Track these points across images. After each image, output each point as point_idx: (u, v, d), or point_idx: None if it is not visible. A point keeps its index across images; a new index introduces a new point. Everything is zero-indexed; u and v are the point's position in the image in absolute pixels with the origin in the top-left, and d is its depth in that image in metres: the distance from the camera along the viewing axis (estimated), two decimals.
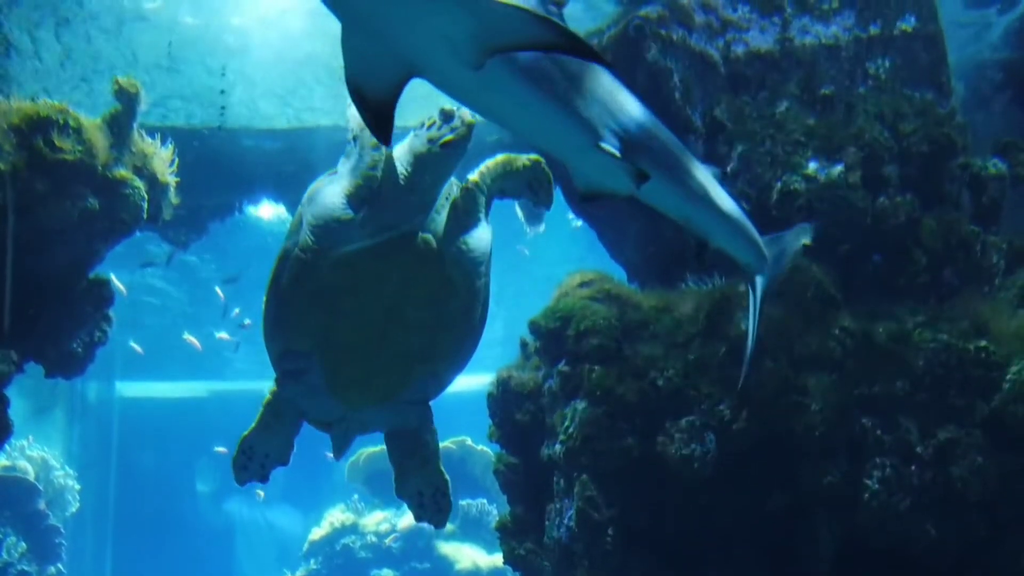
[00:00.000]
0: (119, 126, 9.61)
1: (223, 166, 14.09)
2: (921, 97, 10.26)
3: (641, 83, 10.05)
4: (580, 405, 8.87)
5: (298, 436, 7.60)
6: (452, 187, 6.96)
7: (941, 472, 8.40)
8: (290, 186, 13.73)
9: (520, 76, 4.26)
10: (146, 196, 9.79)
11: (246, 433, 7.45)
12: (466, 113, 6.66)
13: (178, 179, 10.43)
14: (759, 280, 7.01)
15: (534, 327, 9.46)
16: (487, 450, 23.24)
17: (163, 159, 10.15)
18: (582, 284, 9.46)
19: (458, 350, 7.23)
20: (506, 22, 3.81)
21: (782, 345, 8.70)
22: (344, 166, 6.89)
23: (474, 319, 7.17)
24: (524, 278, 23.99)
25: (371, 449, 26.29)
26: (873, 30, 10.43)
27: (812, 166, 9.67)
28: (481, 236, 7.03)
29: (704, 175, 5.64)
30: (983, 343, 8.57)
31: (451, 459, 24.24)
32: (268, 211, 18.82)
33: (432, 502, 7.73)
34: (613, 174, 4.80)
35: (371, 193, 6.65)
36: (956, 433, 8.43)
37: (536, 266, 23.85)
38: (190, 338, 27.86)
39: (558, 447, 9.01)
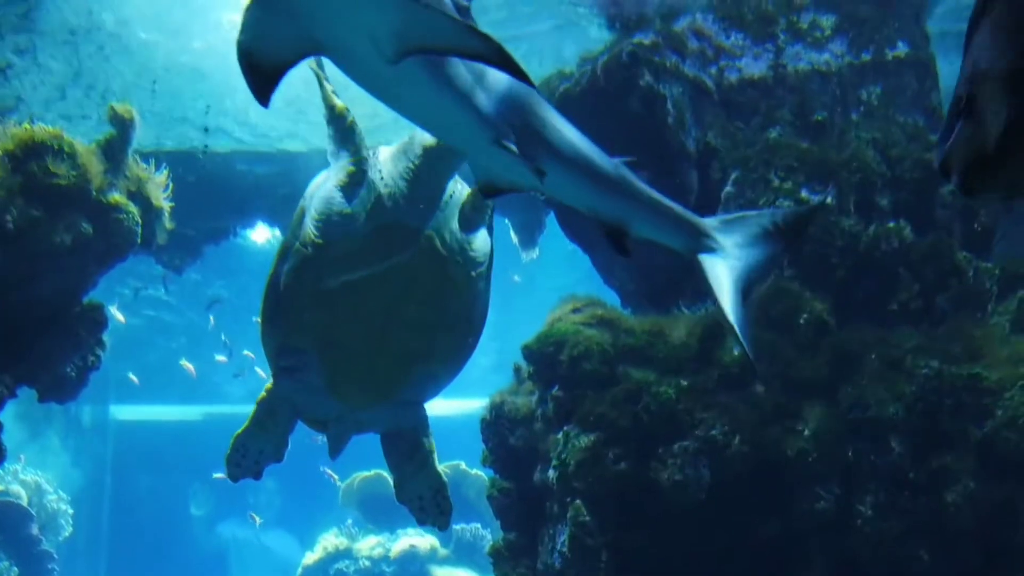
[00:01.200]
0: (113, 151, 9.63)
1: (217, 190, 14.11)
2: (913, 123, 10.33)
3: (635, 109, 10.10)
4: (573, 430, 8.86)
5: (292, 434, 7.54)
6: (456, 185, 6.96)
7: (934, 498, 8.40)
8: (284, 210, 13.74)
9: (430, 72, 4.27)
10: (140, 221, 9.79)
11: (239, 431, 7.37)
12: None
13: (172, 204, 10.44)
14: (711, 260, 5.86)
15: (527, 352, 9.46)
16: (481, 474, 23.19)
17: (157, 184, 10.16)
18: (575, 309, 9.47)
19: (457, 351, 7.21)
20: (437, 29, 3.85)
21: (775, 370, 8.70)
22: (332, 159, 6.89)
23: (474, 321, 7.16)
24: (520, 303, 23.99)
25: (365, 473, 26.22)
26: (865, 57, 10.50)
27: (805, 191, 9.71)
28: (484, 238, 7.04)
29: (611, 165, 5.41)
30: (976, 369, 8.57)
31: None
32: (262, 235, 18.82)
33: (433, 504, 7.68)
34: (514, 169, 4.77)
35: (362, 179, 6.62)
36: (949, 459, 8.43)
37: (529, 292, 23.87)
38: (186, 364, 27.82)
39: (551, 472, 9.00)
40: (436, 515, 7.76)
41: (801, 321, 8.93)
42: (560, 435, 8.98)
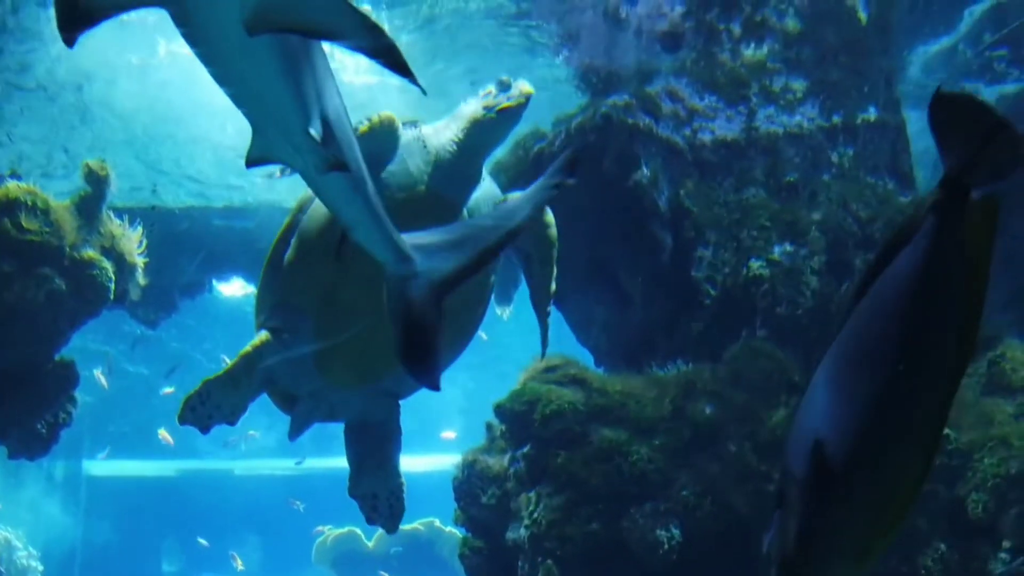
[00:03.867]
0: (88, 207, 9.66)
1: (193, 245, 14.12)
2: (884, 185, 10.44)
3: (609, 169, 10.17)
4: (545, 489, 8.85)
5: (253, 401, 7.27)
6: (486, 181, 7.00)
7: (905, 560, 8.40)
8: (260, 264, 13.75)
9: (277, 49, 4.06)
10: (113, 277, 9.79)
11: (211, 377, 7.09)
12: (523, 83, 6.71)
13: (146, 259, 10.44)
14: (396, 278, 5.60)
15: (500, 411, 9.46)
16: (456, 532, 23.00)
17: (131, 240, 10.18)
18: (548, 368, 9.48)
19: (451, 347, 7.16)
20: (328, 8, 3.69)
21: (745, 431, 8.72)
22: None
23: (475, 317, 7.13)
24: (494, 361, 23.97)
25: (338, 531, 26.01)
26: (836, 120, 10.63)
27: (777, 251, 9.79)
28: None
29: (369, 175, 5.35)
30: (945, 431, 8.60)
31: (419, 541, 24.08)
32: (238, 288, 18.79)
33: (386, 505, 7.51)
34: (302, 155, 4.67)
35: (397, 143, 6.62)
36: (919, 520, 8.44)
37: (504, 349, 23.84)
38: (164, 434, 27.59)
39: (523, 531, 8.97)
40: (387, 517, 7.58)
41: (772, 381, 8.96)
42: (532, 494, 8.96)
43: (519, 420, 9.27)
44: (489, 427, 10.09)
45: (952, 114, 2.50)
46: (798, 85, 10.66)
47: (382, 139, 6.66)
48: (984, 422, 8.70)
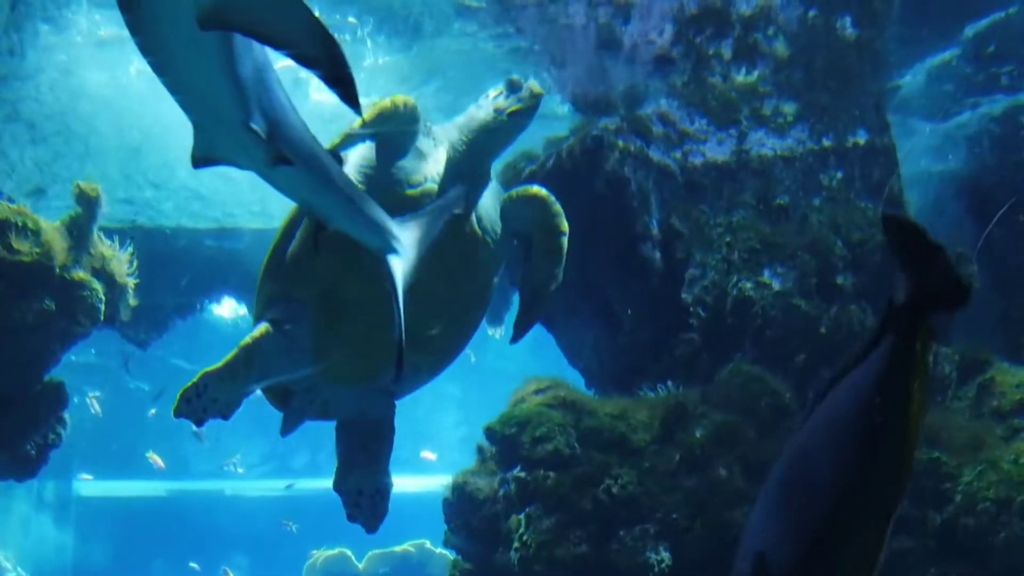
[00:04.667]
0: (78, 229, 9.66)
1: (185, 265, 14.12)
2: (874, 208, 10.47)
3: (600, 191, 10.21)
4: (535, 512, 8.83)
5: (248, 397, 7.17)
6: (493, 182, 7.01)
7: None
8: (251, 285, 13.76)
9: (219, 43, 4.02)
10: (103, 298, 9.79)
11: (209, 369, 6.97)
12: (534, 84, 6.69)
13: (137, 280, 10.43)
14: (393, 260, 6.06)
15: (490, 433, 9.45)
16: (447, 554, 22.94)
17: (122, 260, 10.17)
18: (538, 391, 9.48)
19: (449, 346, 7.13)
20: (281, 9, 3.63)
21: (736, 455, 8.72)
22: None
23: (476, 317, 7.10)
24: (487, 382, 23.99)
25: (329, 552, 25.89)
26: (826, 143, 10.68)
27: (767, 274, 9.81)
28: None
29: (332, 166, 5.36)
30: (935, 454, 8.62)
31: (410, 563, 23.96)
32: (229, 310, 18.78)
33: (369, 503, 7.38)
34: (246, 151, 4.66)
35: (413, 139, 6.61)
36: (909, 543, 8.44)
37: (496, 370, 23.85)
38: (154, 457, 27.51)
39: (513, 554, 8.94)
40: (369, 516, 7.46)
41: (762, 404, 8.96)
42: (522, 516, 8.94)
43: (509, 442, 9.26)
44: (480, 449, 10.08)
45: (901, 239, 2.55)
46: (788, 108, 10.71)
47: (403, 122, 6.62)
48: (974, 445, 8.71)
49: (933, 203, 13.12)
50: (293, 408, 7.23)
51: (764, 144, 10.71)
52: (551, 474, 8.89)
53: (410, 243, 6.07)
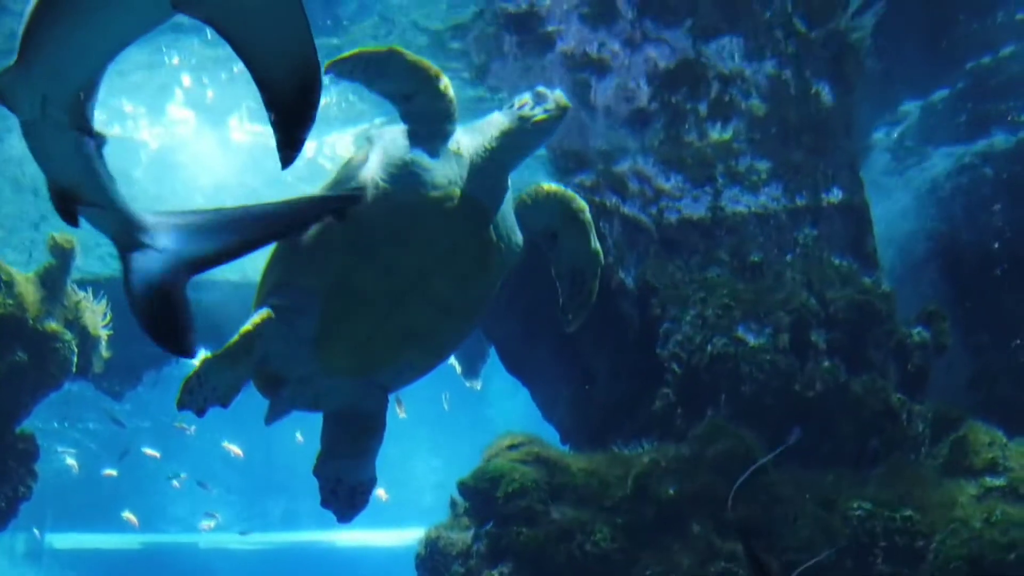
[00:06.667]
0: (52, 280, 9.64)
1: None
2: (848, 265, 10.53)
3: None
4: (507, 567, 8.78)
5: (247, 383, 7.09)
6: (509, 191, 7.02)
7: None
8: (224, 339, 13.68)
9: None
10: (76, 350, 9.75)
11: (209, 356, 6.86)
12: (561, 96, 6.70)
13: (111, 331, 10.39)
14: (134, 257, 5.13)
15: (463, 488, 9.41)
16: None
17: (95, 312, 10.14)
18: (512, 446, 9.45)
19: (446, 345, 7.06)
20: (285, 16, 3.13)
21: (708, 511, 8.70)
22: (410, 121, 6.76)
23: (475, 320, 7.06)
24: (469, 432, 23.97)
25: None
26: (800, 201, 10.74)
27: (741, 330, 9.84)
28: (520, 237, 7.05)
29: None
30: (908, 512, 8.63)
31: None
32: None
33: (348, 493, 7.25)
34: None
35: (445, 141, 6.59)
36: None
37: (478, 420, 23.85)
38: (129, 516, 27.29)
39: None
40: (345, 505, 7.33)
41: (736, 461, 8.95)
42: (495, 571, 8.89)
43: (482, 497, 9.22)
44: (453, 503, 10.03)
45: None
46: (763, 166, 10.79)
47: (431, 100, 6.59)
48: (947, 503, 8.73)
49: (907, 261, 13.24)
50: (283, 397, 7.17)
51: (739, 201, 10.78)
52: (524, 529, 8.84)
53: (182, 244, 5.27)
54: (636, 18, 10.36)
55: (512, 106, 6.81)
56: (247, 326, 6.83)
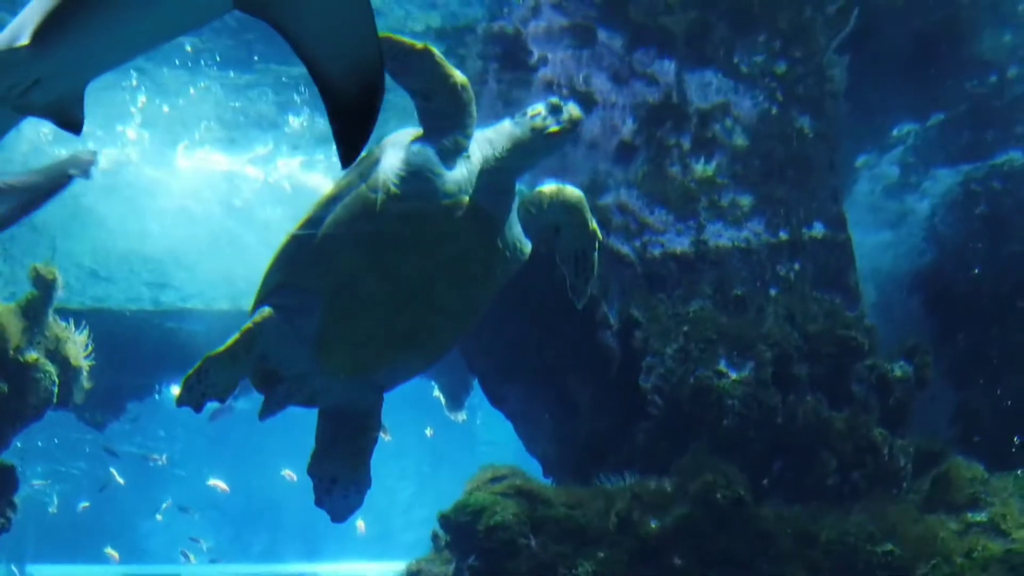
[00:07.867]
0: (34, 311, 9.62)
1: (144, 347, 14.03)
2: (830, 300, 10.56)
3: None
4: None
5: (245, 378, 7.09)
6: (516, 199, 7.04)
7: None
8: None
9: None
10: (57, 380, 9.71)
11: (211, 354, 6.88)
12: (574, 109, 6.73)
13: (92, 362, 10.36)
14: None
15: (444, 521, 9.38)
16: None
17: (77, 343, 10.12)
18: (494, 479, 9.44)
19: (443, 347, 7.10)
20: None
21: (691, 544, 8.68)
22: (427, 123, 6.75)
23: (474, 322, 7.08)
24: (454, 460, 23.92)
25: None
26: (783, 236, 10.77)
27: (724, 364, 9.85)
28: (527, 245, 7.06)
29: None
30: (890, 547, 8.62)
31: None
32: None
33: (342, 493, 7.27)
34: None
35: (461, 152, 6.60)
36: None
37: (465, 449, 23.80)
38: (111, 552, 27.18)
39: None
40: (339, 505, 7.35)
41: (719, 496, 8.94)
42: None
43: (464, 531, 9.18)
44: (435, 537, 9.99)
45: None
46: (745, 201, 10.82)
47: (445, 93, 6.62)
48: (928, 538, 8.73)
49: (888, 296, 13.30)
50: (278, 393, 7.18)
51: (722, 235, 10.80)
52: (506, 563, 8.81)
53: None
54: (624, 53, 10.46)
55: (524, 115, 6.84)
56: (247, 324, 6.91)
